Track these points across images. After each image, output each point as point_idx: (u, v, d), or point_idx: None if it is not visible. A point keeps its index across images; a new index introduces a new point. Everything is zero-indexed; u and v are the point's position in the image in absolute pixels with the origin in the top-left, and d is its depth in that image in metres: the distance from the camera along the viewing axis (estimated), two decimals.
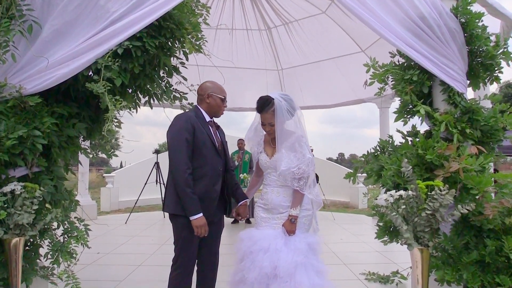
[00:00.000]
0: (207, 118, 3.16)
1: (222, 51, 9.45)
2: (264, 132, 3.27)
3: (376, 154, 3.57)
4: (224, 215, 3.34)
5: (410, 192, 2.53)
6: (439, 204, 2.40)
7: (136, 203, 9.53)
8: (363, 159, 3.65)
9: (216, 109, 3.18)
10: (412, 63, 3.28)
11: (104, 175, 14.42)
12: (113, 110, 2.69)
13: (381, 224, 3.33)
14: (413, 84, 3.12)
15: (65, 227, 3.30)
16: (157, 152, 9.78)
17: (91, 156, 3.91)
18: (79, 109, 3.36)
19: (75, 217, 3.46)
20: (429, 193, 2.50)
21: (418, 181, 2.55)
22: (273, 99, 3.08)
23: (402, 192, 2.57)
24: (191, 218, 2.84)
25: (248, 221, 8.25)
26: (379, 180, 3.45)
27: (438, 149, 2.81)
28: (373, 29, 3.14)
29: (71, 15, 3.13)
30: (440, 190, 2.42)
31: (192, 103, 4.01)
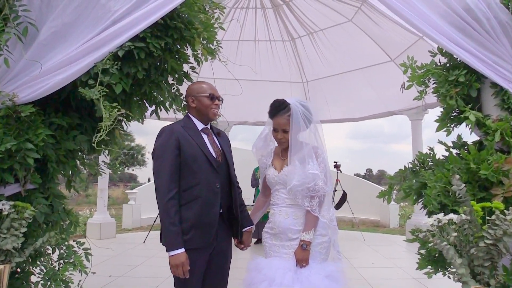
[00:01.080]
0: (200, 126, 2.69)
1: (244, 64, 9.16)
2: (275, 143, 2.87)
3: (414, 169, 3.09)
4: (234, 239, 2.83)
5: (463, 216, 2.05)
6: (502, 231, 1.91)
7: (155, 220, 9.20)
8: (398, 175, 3.17)
9: (205, 111, 2.68)
10: (457, 62, 2.81)
11: (127, 191, 14.26)
12: (108, 118, 2.33)
13: (423, 251, 2.83)
14: (459, 87, 2.65)
15: (61, 251, 2.96)
16: None
17: (95, 171, 3.56)
18: (81, 120, 3.04)
19: (74, 240, 3.12)
20: (487, 217, 2.01)
21: (472, 202, 2.07)
22: (290, 103, 2.69)
23: (452, 215, 2.09)
24: (169, 254, 2.38)
25: (260, 241, 7.73)
26: (419, 200, 2.97)
27: (494, 163, 2.32)
28: (412, 25, 2.71)
29: (71, 16, 2.84)
30: (504, 214, 1.93)
31: None
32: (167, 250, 2.40)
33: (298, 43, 9.43)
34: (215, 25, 3.22)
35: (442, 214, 2.16)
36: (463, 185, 2.01)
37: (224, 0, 8.04)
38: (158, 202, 2.44)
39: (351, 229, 10.38)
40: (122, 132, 3.50)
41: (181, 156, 2.51)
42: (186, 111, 2.78)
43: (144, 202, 11.58)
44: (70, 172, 3.15)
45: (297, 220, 2.66)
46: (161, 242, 2.64)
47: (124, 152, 37.98)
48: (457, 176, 2.00)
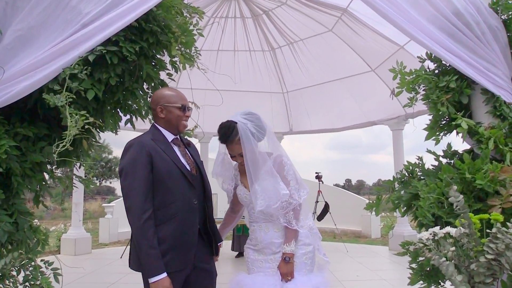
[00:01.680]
0: (170, 137, 2.47)
1: (224, 75, 9.01)
2: (233, 164, 2.73)
3: (402, 180, 2.97)
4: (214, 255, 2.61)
5: (461, 229, 1.92)
6: (504, 245, 1.78)
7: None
8: (386, 186, 3.05)
9: (175, 122, 2.45)
10: (446, 68, 2.72)
11: (103, 204, 13.85)
12: (74, 127, 2.13)
13: (414, 265, 2.69)
14: (450, 93, 2.55)
15: (27, 273, 2.70)
16: None
17: (66, 185, 3.32)
18: (49, 130, 2.80)
19: (41, 260, 2.86)
20: (487, 230, 1.89)
21: (470, 214, 1.95)
22: (236, 123, 2.52)
23: (450, 229, 1.96)
24: (150, 281, 2.15)
25: (241, 254, 7.51)
26: (408, 211, 2.85)
27: (490, 172, 2.21)
28: (400, 29, 2.61)
29: (38, 18, 2.63)
30: (506, 227, 1.80)
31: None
32: (148, 277, 2.16)
33: (278, 53, 9.35)
34: (194, 31, 3.06)
35: (438, 227, 2.03)
36: (461, 196, 1.88)
37: (203, 9, 7.92)
38: (131, 224, 2.21)
39: (333, 240, 10.27)
40: (95, 143, 3.30)
41: (154, 172, 2.27)
42: (152, 121, 2.56)
43: (121, 216, 11.21)
44: (38, 187, 2.92)
45: (278, 232, 2.54)
46: (130, 266, 2.43)
47: (102, 165, 37.26)
48: (455, 187, 1.88)
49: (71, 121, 2.10)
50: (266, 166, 2.50)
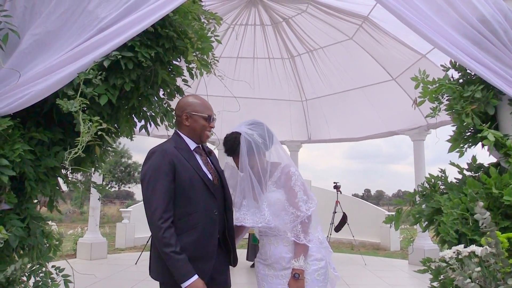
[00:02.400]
0: (192, 146, 2.43)
1: (243, 82, 9.01)
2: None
3: (424, 193, 2.84)
4: (231, 266, 2.56)
5: (488, 249, 1.80)
6: None
7: (148, 241, 8.87)
8: (407, 199, 2.93)
9: (200, 132, 2.43)
10: (471, 77, 2.60)
11: (121, 209, 13.94)
12: (87, 133, 2.09)
13: (435, 284, 2.56)
14: (475, 103, 2.43)
15: (37, 279, 2.68)
16: None
17: (81, 189, 3.31)
18: (64, 135, 2.80)
19: (53, 266, 2.84)
20: None
21: (497, 232, 1.83)
22: (240, 134, 2.45)
23: (475, 247, 1.84)
24: (183, 285, 2.11)
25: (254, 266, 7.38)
26: (430, 226, 2.72)
27: None
28: (424, 36, 2.51)
29: (55, 23, 2.63)
30: None
31: None
32: (181, 282, 2.13)
33: (297, 61, 9.29)
34: (211, 38, 3.02)
35: (462, 245, 1.91)
36: (488, 213, 1.76)
37: (223, 17, 7.93)
38: (153, 234, 2.20)
39: (351, 252, 10.06)
40: (110, 149, 3.28)
41: (176, 181, 2.25)
42: (175, 129, 2.53)
43: (138, 221, 11.26)
44: (51, 191, 2.91)
45: (288, 246, 2.41)
46: (150, 274, 2.38)
47: (121, 169, 37.69)
48: (481, 203, 1.76)
49: (84, 127, 2.06)
50: (273, 177, 2.42)
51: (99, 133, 2.18)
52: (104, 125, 2.18)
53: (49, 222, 5.65)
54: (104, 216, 22.28)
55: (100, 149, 2.51)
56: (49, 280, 2.73)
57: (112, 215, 22.83)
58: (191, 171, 2.31)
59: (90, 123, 2.13)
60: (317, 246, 2.44)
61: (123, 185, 38.87)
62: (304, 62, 9.20)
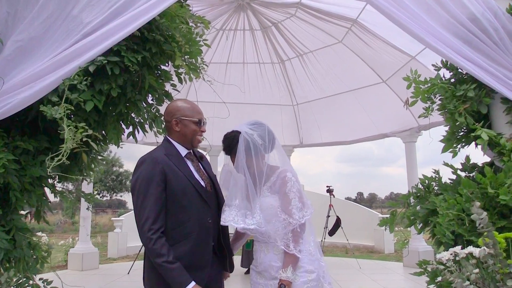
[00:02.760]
0: (183, 152, 2.38)
1: (233, 87, 8.95)
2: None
3: (418, 194, 2.81)
4: (227, 272, 2.54)
5: (486, 249, 1.76)
6: None
7: (140, 250, 8.74)
8: (401, 201, 2.90)
9: (191, 137, 2.37)
10: (463, 77, 2.58)
11: (112, 218, 13.78)
12: (72, 139, 2.03)
13: (432, 287, 2.52)
14: (468, 103, 2.40)
15: None
16: None
17: (69, 199, 3.23)
18: (51, 143, 2.72)
19: (40, 279, 2.75)
20: None
21: (494, 232, 1.79)
22: (240, 132, 2.39)
23: (473, 249, 1.81)
24: None
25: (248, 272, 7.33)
26: (425, 228, 2.69)
27: None
28: (415, 36, 2.48)
29: (39, 29, 2.57)
30: None
31: None
32: None
33: (287, 65, 9.28)
34: (200, 42, 2.97)
35: (459, 247, 1.87)
36: (485, 213, 1.73)
37: (212, 22, 7.89)
38: (144, 245, 2.13)
39: (345, 256, 10.02)
40: (98, 156, 3.20)
41: (168, 190, 2.19)
42: (165, 135, 2.46)
43: (130, 230, 11.12)
44: (38, 202, 2.83)
45: (278, 255, 2.30)
46: (144, 286, 2.32)
47: (112, 178, 37.35)
48: (478, 203, 1.73)
49: (69, 134, 2.00)
50: (269, 181, 2.35)
51: (85, 139, 2.11)
52: (90, 132, 2.11)
53: (39, 233, 5.53)
54: (96, 225, 22.04)
55: (87, 157, 2.42)
56: None
57: (104, 225, 22.60)
58: (182, 178, 2.25)
59: (76, 130, 2.06)
60: (310, 257, 2.33)
61: (114, 194, 38.53)
62: (294, 66, 9.19)
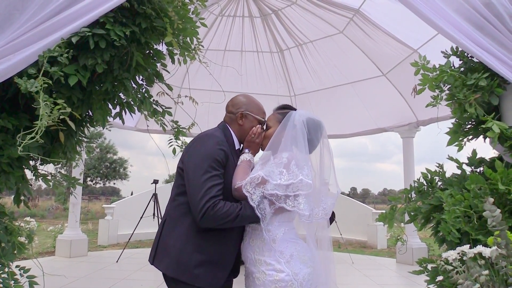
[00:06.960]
0: (237, 145, 2.30)
1: (230, 75, 8.76)
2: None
3: (420, 189, 2.66)
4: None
5: (497, 250, 1.61)
6: None
7: (130, 238, 8.58)
8: (402, 195, 2.75)
9: (246, 135, 2.30)
10: (474, 65, 2.41)
11: (104, 205, 13.60)
12: (47, 116, 1.85)
13: (432, 286, 2.38)
14: (479, 92, 2.24)
15: None
16: (155, 182, 8.89)
17: (51, 183, 3.06)
18: (31, 122, 2.54)
19: (16, 266, 2.59)
20: None
21: (507, 232, 1.64)
22: (293, 112, 2.26)
23: (483, 248, 1.66)
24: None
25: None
26: (427, 224, 2.54)
27: None
28: (425, 19, 2.31)
29: None
30: None
31: (177, 122, 3.18)
32: None
33: (286, 55, 9.07)
34: (194, 19, 2.78)
35: (467, 246, 1.73)
36: (498, 210, 1.58)
37: (209, 7, 7.67)
38: (204, 214, 1.92)
39: (338, 250, 9.91)
40: (83, 138, 3.03)
41: (224, 177, 2.07)
42: (223, 122, 2.36)
43: (121, 218, 10.96)
44: (18, 184, 2.66)
45: (253, 245, 2.11)
46: (154, 264, 2.14)
47: (106, 165, 37.10)
48: (491, 199, 1.58)
49: (45, 110, 1.82)
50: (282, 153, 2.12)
51: (62, 117, 1.93)
52: (69, 109, 1.93)
53: (28, 218, 5.34)
54: (88, 212, 21.88)
55: (64, 136, 2.25)
56: (12, 282, 2.48)
57: (96, 212, 22.45)
58: (232, 171, 2.16)
59: (53, 106, 1.88)
60: (278, 254, 2.03)
61: (108, 181, 38.33)
62: (293, 56, 8.98)
